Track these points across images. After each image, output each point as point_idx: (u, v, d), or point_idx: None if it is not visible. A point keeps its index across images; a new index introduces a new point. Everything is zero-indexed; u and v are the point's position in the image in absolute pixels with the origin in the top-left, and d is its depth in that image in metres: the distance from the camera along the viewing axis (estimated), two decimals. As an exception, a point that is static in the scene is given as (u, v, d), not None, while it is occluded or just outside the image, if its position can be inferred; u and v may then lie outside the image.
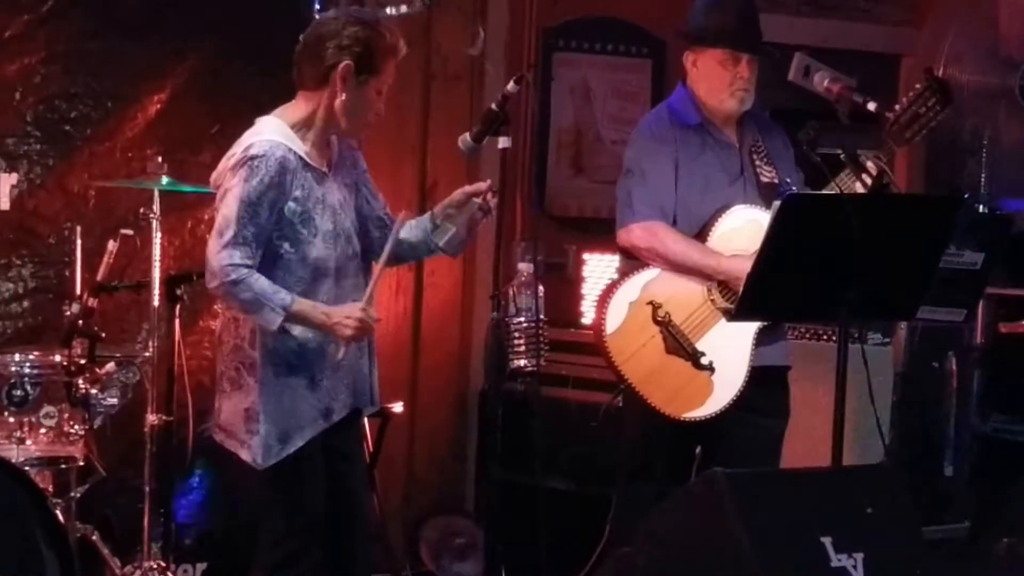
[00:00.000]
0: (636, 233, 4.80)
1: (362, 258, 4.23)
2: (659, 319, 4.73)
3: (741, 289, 4.46)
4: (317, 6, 5.76)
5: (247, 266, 3.95)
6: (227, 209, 3.96)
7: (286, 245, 4.03)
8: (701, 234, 4.80)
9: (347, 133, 4.17)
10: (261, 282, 3.96)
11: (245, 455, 4.08)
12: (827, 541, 3.92)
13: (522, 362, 4.19)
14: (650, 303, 4.75)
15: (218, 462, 5.57)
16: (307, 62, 4.09)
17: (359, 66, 4.03)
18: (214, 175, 4.09)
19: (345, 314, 4.03)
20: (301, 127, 4.08)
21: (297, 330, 4.04)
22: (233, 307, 4.06)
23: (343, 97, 4.04)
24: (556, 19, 6.85)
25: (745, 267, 4.55)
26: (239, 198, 3.94)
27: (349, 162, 4.25)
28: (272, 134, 4.03)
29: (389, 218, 4.31)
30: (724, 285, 4.74)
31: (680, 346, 4.73)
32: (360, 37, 4.03)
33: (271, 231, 4.00)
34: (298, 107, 4.11)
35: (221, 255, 3.95)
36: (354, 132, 4.19)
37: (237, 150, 4.02)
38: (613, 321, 4.74)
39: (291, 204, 4.01)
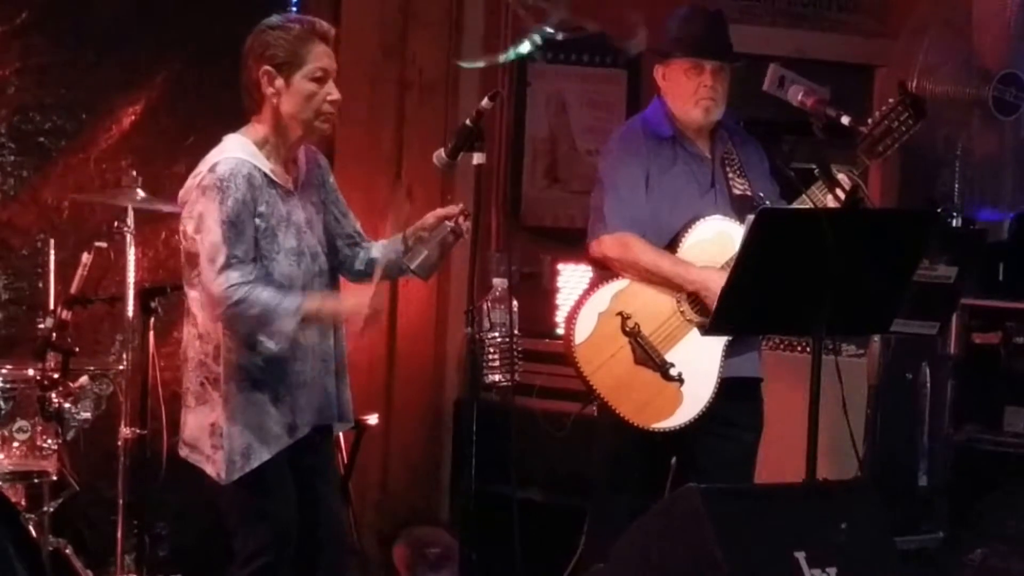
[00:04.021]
0: (607, 244, 4.82)
1: (330, 276, 4.22)
2: (628, 330, 4.74)
3: (715, 302, 4.46)
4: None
5: (247, 283, 3.93)
6: (211, 236, 3.93)
7: None
8: (671, 245, 4.81)
9: (311, 132, 4.12)
10: (264, 294, 3.94)
11: (210, 470, 4.07)
12: (800, 556, 3.94)
13: (497, 377, 4.19)
14: (619, 314, 4.76)
15: (192, 473, 5.55)
16: (243, 88, 4.09)
17: (278, 66, 4.01)
18: (182, 192, 4.07)
19: (353, 304, 4.04)
20: (263, 145, 4.07)
21: (262, 345, 4.02)
22: (244, 328, 3.99)
23: (276, 103, 4.03)
24: (532, 29, 6.84)
25: (715, 278, 4.57)
26: (220, 222, 3.92)
27: (317, 181, 4.24)
28: (236, 151, 4.02)
29: (360, 235, 4.32)
30: (694, 296, 4.76)
31: (649, 357, 4.74)
32: (268, 40, 4.02)
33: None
34: (256, 128, 4.09)
35: (219, 280, 3.92)
36: (315, 129, 4.11)
37: (203, 168, 4.01)
38: (582, 331, 4.76)
39: (255, 220, 3.99)
